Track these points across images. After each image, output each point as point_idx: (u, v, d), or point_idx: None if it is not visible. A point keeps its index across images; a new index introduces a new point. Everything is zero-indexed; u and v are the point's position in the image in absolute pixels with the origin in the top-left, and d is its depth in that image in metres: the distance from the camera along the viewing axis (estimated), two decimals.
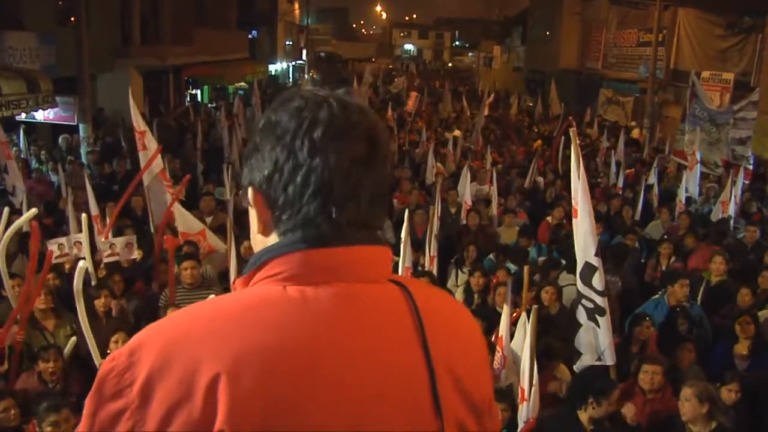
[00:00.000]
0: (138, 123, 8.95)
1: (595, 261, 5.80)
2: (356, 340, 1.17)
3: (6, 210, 7.54)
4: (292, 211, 1.22)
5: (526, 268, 6.72)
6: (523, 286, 6.52)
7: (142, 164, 8.92)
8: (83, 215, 7.30)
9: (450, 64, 75.43)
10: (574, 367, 6.07)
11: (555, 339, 6.56)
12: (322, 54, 63.85)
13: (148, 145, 8.82)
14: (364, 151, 1.23)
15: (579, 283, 5.97)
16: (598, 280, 5.82)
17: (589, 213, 5.80)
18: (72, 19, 17.18)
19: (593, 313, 5.91)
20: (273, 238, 1.26)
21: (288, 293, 1.17)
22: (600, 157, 18.19)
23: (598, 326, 5.91)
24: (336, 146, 1.20)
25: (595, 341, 5.97)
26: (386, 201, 1.35)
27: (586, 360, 5.94)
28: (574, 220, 5.90)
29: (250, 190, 1.27)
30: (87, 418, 1.14)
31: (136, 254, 7.70)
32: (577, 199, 5.88)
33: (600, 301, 5.84)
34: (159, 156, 8.97)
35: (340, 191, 1.20)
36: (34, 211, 6.74)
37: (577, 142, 6.08)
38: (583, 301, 5.93)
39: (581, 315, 5.94)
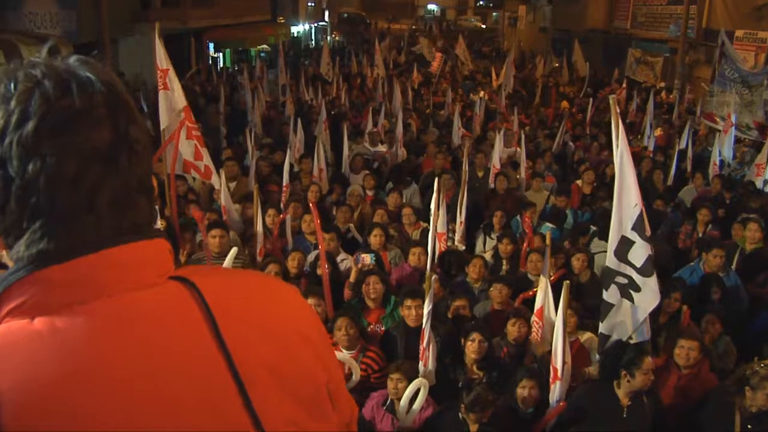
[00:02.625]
0: (161, 60, 8.62)
1: (631, 235, 5.54)
2: (124, 363, 0.94)
3: None
4: (16, 232, 0.98)
5: (548, 233, 6.56)
6: (557, 251, 6.35)
7: (161, 104, 8.57)
8: None
9: (473, 21, 74.25)
10: (599, 355, 5.86)
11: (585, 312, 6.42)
12: (345, 15, 63.17)
13: (170, 84, 8.46)
14: (102, 141, 0.97)
15: (612, 259, 5.66)
16: (635, 256, 5.55)
17: (631, 185, 5.51)
18: None
19: (627, 288, 5.66)
20: (13, 259, 1.01)
21: (33, 327, 0.94)
22: (629, 118, 17.84)
23: (633, 302, 5.67)
24: (57, 143, 0.93)
25: (630, 319, 5.75)
26: (147, 194, 1.06)
27: (614, 339, 5.73)
28: (615, 192, 5.60)
29: None
30: None
31: (160, 224, 7.58)
32: (620, 169, 5.58)
33: (636, 276, 5.60)
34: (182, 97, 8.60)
35: (68, 204, 0.96)
36: None
37: (617, 109, 5.76)
38: (617, 278, 5.68)
39: (613, 295, 5.68)
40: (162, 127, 8.46)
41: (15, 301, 0.96)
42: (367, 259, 6.75)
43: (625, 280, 5.59)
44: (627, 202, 5.48)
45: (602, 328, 5.71)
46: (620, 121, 5.57)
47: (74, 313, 0.95)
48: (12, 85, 0.96)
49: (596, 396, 5.30)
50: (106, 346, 0.94)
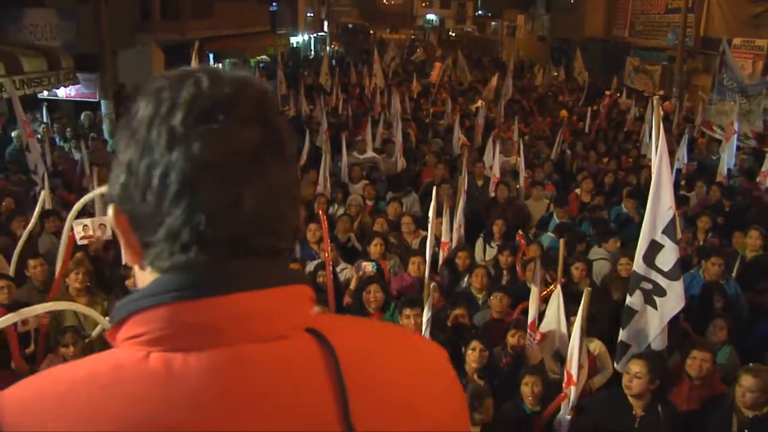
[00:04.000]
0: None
1: (661, 238, 5.58)
2: (231, 424, 0.88)
3: (43, 192, 7.63)
4: (153, 225, 0.92)
5: (561, 241, 6.58)
6: (554, 261, 6.37)
7: None
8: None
9: (470, 30, 74.47)
10: (617, 367, 5.87)
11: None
12: (350, 25, 63.45)
13: None
14: (250, 137, 0.92)
15: (640, 263, 5.69)
16: (663, 260, 5.58)
17: (667, 188, 5.55)
18: None
19: (651, 294, 5.69)
20: (147, 274, 0.97)
21: (149, 364, 0.89)
22: (627, 126, 17.91)
23: (656, 308, 5.69)
24: (203, 132, 0.89)
25: (651, 325, 5.76)
26: (295, 208, 0.99)
27: (633, 351, 5.74)
28: (651, 195, 5.64)
29: (110, 209, 0.97)
30: None
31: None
32: (657, 172, 5.62)
33: (662, 280, 5.61)
34: None
35: (212, 194, 0.89)
36: (103, 189, 6.74)
37: (660, 113, 5.83)
38: (642, 283, 5.71)
39: (637, 300, 5.72)
40: None
41: (138, 328, 0.92)
42: (369, 267, 6.79)
43: (650, 286, 5.64)
44: (663, 204, 5.53)
45: (623, 335, 5.77)
46: (661, 124, 5.62)
47: (193, 357, 0.90)
48: (165, 81, 0.95)
49: (610, 404, 5.31)
50: (217, 402, 0.88)
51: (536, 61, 37.88)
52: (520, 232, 8.76)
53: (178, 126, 0.90)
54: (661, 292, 5.61)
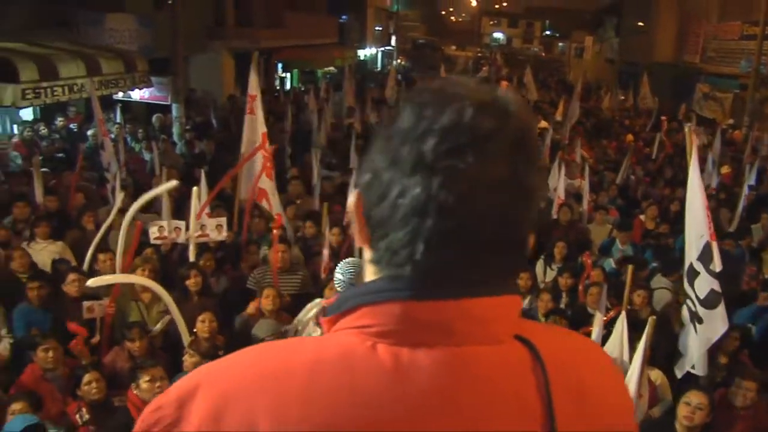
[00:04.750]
0: (252, 87, 8.93)
1: (696, 265, 5.55)
2: (456, 420, 0.92)
3: (119, 191, 7.89)
4: (380, 231, 0.97)
5: (630, 267, 6.51)
6: (614, 287, 6.32)
7: (246, 128, 8.92)
8: (194, 189, 7.44)
9: (537, 50, 74.17)
10: (675, 368, 5.85)
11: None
12: (420, 41, 63.90)
13: (256, 111, 8.78)
14: (495, 174, 0.92)
15: (685, 282, 5.73)
16: (699, 286, 5.55)
17: (699, 215, 5.52)
18: (168, 1, 17.56)
19: (693, 318, 5.68)
20: (368, 256, 1.02)
21: (377, 355, 0.93)
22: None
23: (696, 332, 5.67)
24: (447, 167, 0.91)
25: (693, 347, 5.74)
26: (520, 249, 1.00)
27: (686, 362, 5.72)
28: (686, 220, 5.63)
29: (353, 195, 1.03)
30: None
31: (225, 236, 7.78)
32: (690, 198, 5.60)
33: (700, 308, 5.59)
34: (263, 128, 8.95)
35: (437, 226, 0.91)
36: (174, 182, 7.09)
37: (694, 140, 5.80)
38: (688, 301, 5.72)
39: (686, 315, 5.73)
40: (242, 150, 8.77)
41: (368, 320, 0.96)
42: None
43: (693, 307, 5.61)
44: (695, 231, 5.49)
45: (679, 345, 5.77)
46: (695, 150, 5.58)
47: (420, 353, 0.93)
48: (431, 97, 0.96)
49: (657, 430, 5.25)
50: (446, 398, 0.92)
51: (603, 83, 37.48)
52: (587, 252, 8.66)
53: (427, 152, 0.92)
54: (699, 320, 5.59)
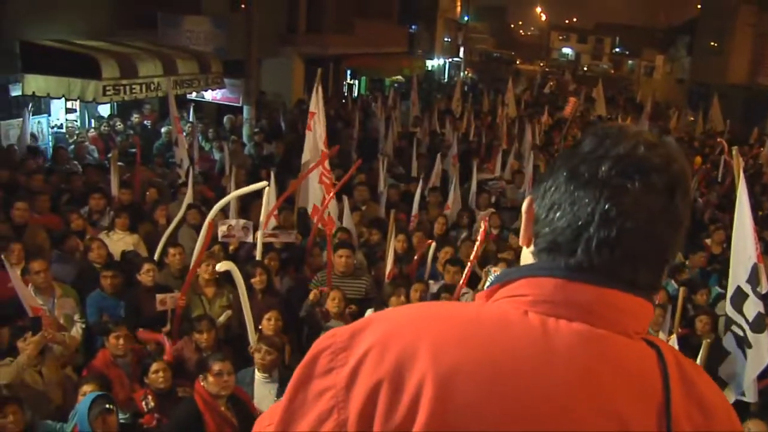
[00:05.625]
0: (313, 104, 9.21)
1: (745, 287, 5.47)
2: (584, 391, 1.06)
3: (189, 187, 8.43)
4: (546, 231, 1.15)
5: (681, 289, 6.44)
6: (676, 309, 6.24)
7: (306, 142, 9.16)
8: (266, 188, 7.62)
9: (606, 67, 73.24)
10: None
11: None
12: (496, 54, 64.15)
13: (314, 127, 9.03)
14: (654, 203, 1.10)
15: (729, 307, 5.64)
16: (748, 309, 5.47)
17: (748, 236, 5.45)
18: (242, 5, 17.93)
19: (741, 342, 5.58)
20: (528, 252, 1.21)
21: (528, 319, 1.10)
22: (765, 180, 17.17)
23: (745, 358, 5.56)
24: (616, 186, 1.09)
25: (740, 374, 5.62)
26: (663, 265, 1.17)
27: (732, 390, 5.59)
28: (733, 240, 5.58)
29: (527, 200, 1.23)
30: (293, 388, 1.13)
31: (294, 237, 7.93)
32: (739, 219, 5.54)
33: (749, 332, 5.49)
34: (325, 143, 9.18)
35: (598, 231, 1.09)
36: (240, 192, 7.55)
37: (740, 162, 5.75)
38: (733, 327, 5.61)
39: (730, 342, 5.60)
40: (303, 161, 8.98)
41: (524, 290, 1.13)
42: (500, 271, 6.87)
43: (740, 332, 5.52)
44: (743, 252, 5.43)
45: (721, 371, 5.64)
46: (742, 172, 5.55)
47: (565, 324, 1.09)
48: (612, 130, 1.17)
49: None
50: (580, 366, 1.07)
51: (672, 103, 36.81)
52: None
53: (602, 171, 1.11)
54: (748, 344, 5.47)
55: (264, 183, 7.40)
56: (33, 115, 13.10)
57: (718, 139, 21.56)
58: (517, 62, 65.45)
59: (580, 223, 1.10)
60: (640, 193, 1.09)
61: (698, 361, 5.13)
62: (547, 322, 1.09)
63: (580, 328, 1.09)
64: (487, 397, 1.03)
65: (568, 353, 1.07)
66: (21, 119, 12.25)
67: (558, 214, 1.13)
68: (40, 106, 13.45)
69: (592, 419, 1.04)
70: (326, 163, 8.94)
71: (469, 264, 6.97)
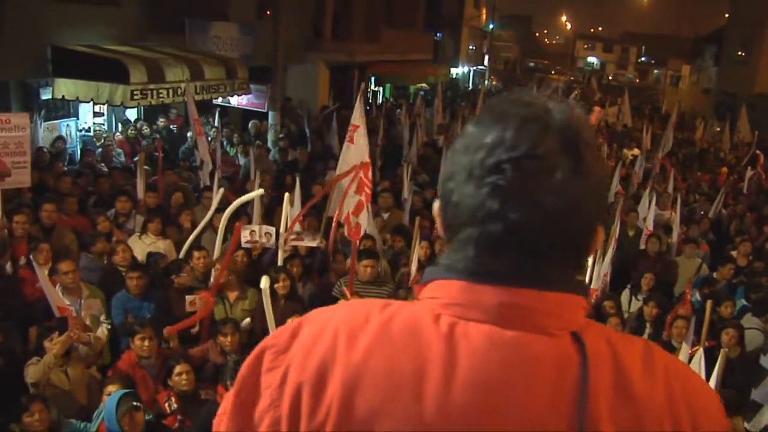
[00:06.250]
0: (355, 117, 9.15)
1: None
2: (488, 398, 1.03)
3: (221, 190, 8.45)
4: (451, 232, 1.11)
5: (708, 302, 6.40)
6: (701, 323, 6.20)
7: (343, 154, 9.16)
8: (286, 195, 7.69)
9: (631, 76, 72.95)
10: (747, 426, 5.63)
11: (731, 391, 6.16)
12: (531, 64, 64.43)
13: (357, 139, 8.96)
14: (533, 186, 1.02)
15: None
16: None
17: None
18: (268, 12, 18.06)
19: None
20: (446, 248, 1.15)
21: (438, 325, 1.07)
22: None
23: None
24: (493, 178, 1.02)
25: None
26: (569, 259, 1.09)
27: (765, 417, 5.52)
28: None
29: (436, 203, 1.17)
30: (239, 383, 1.19)
31: (318, 242, 7.98)
32: None
33: None
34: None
35: (487, 229, 1.04)
36: (255, 194, 7.67)
37: None
38: None
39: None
40: (337, 172, 8.98)
41: (437, 292, 1.10)
42: None
43: None
44: None
45: (755, 394, 5.57)
46: None
47: (473, 328, 1.06)
48: (489, 115, 1.10)
49: None
50: (479, 369, 1.03)
51: (698, 114, 36.49)
52: (688, 285, 8.44)
53: (476, 166, 1.05)
54: None
55: (260, 191, 7.49)
56: (62, 118, 13.30)
57: (757, 151, 21.37)
58: (552, 72, 65.47)
59: (469, 221, 1.06)
60: (517, 185, 1.02)
61: (715, 371, 5.09)
62: (457, 326, 1.07)
63: (488, 331, 1.05)
64: (385, 406, 1.05)
65: (473, 358, 1.04)
66: (52, 122, 12.45)
67: (452, 213, 1.09)
68: (69, 109, 13.66)
69: (498, 426, 1.02)
70: (369, 174, 8.88)
71: None
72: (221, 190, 8.65)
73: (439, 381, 1.03)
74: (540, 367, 1.04)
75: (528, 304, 1.05)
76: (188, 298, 6.53)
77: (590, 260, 7.52)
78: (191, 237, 7.87)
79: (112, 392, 5.02)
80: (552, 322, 1.06)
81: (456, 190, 1.07)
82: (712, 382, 5.04)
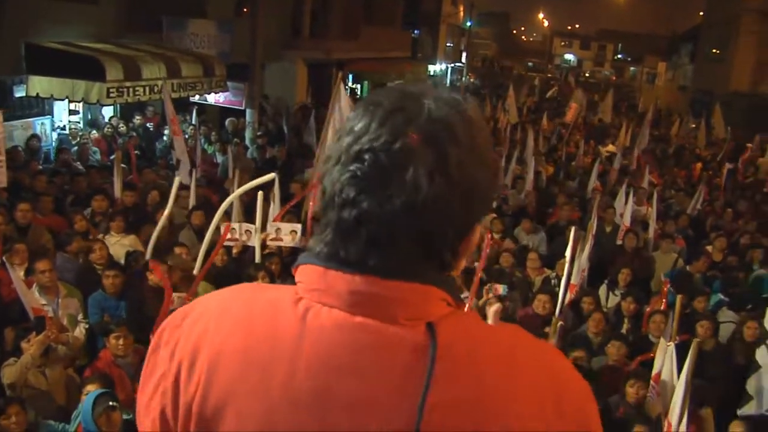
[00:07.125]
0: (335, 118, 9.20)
1: None
2: (321, 379, 1.05)
3: (176, 180, 8.14)
4: (321, 209, 1.13)
5: (679, 297, 6.48)
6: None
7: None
8: (260, 193, 7.63)
9: (608, 73, 73.50)
10: (738, 412, 5.73)
11: (705, 382, 6.23)
12: (531, 64, 65.03)
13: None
14: (388, 179, 1.03)
15: None
16: None
17: None
18: (246, 9, 17.99)
19: None
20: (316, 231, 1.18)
21: (296, 307, 1.11)
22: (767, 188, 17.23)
23: None
24: (352, 166, 1.05)
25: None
26: (420, 251, 1.08)
27: (752, 406, 5.60)
28: None
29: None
30: (147, 356, 1.25)
31: (299, 242, 7.96)
32: None
33: None
34: None
35: (341, 223, 1.07)
36: (240, 191, 7.42)
37: None
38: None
39: (763, 355, 5.62)
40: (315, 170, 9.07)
41: (300, 276, 1.14)
42: (500, 289, 6.91)
43: None
44: None
45: (748, 385, 5.65)
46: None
47: (326, 313, 1.09)
48: (364, 104, 1.11)
49: None
50: (325, 353, 1.06)
51: (674, 111, 36.82)
52: (666, 279, 8.50)
53: (342, 152, 1.08)
54: None
55: (272, 175, 7.43)
56: (36, 116, 13.16)
57: (748, 145, 21.61)
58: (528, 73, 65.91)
59: (331, 205, 1.09)
60: (373, 175, 1.04)
61: (687, 362, 5.13)
62: (311, 310, 1.10)
63: (336, 316, 1.08)
64: (238, 386, 1.10)
65: (318, 342, 1.07)
66: (25, 120, 12.30)
67: (321, 196, 1.12)
68: (44, 107, 13.51)
69: (339, 408, 1.04)
70: None
71: (476, 272, 7.00)
72: (192, 188, 8.60)
73: (287, 363, 1.07)
74: (386, 353, 1.05)
75: (374, 291, 1.07)
76: (176, 295, 6.50)
77: (567, 255, 7.51)
78: (154, 233, 7.72)
79: (90, 392, 4.99)
80: (400, 312, 1.07)
81: (327, 174, 1.10)
82: (684, 373, 5.09)
